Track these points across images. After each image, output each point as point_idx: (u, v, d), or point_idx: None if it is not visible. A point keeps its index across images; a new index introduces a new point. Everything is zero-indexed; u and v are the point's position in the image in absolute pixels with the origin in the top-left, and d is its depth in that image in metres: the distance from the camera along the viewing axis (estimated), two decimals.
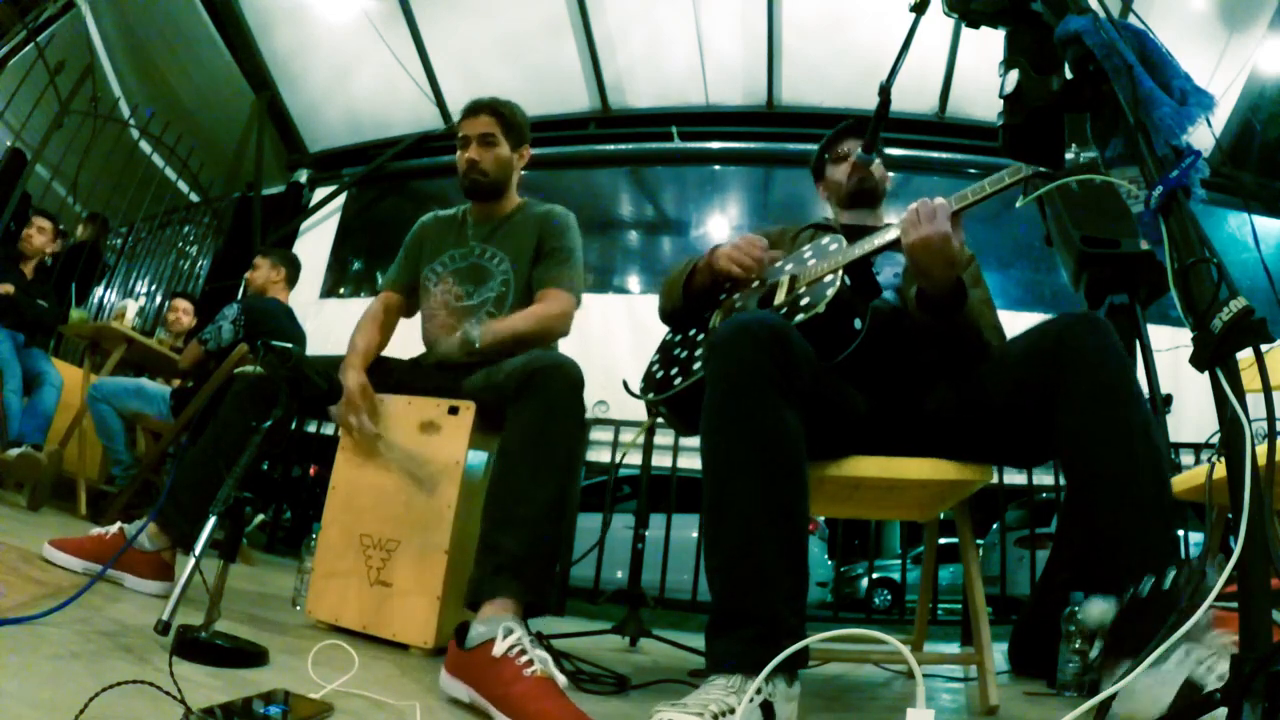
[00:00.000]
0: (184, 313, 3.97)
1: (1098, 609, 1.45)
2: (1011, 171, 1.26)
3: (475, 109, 1.86)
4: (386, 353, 1.83)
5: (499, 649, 1.07)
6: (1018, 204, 1.29)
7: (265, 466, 4.48)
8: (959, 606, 3.48)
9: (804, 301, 1.37)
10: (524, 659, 1.06)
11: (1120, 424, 1.13)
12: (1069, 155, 1.16)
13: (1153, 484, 1.10)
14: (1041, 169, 1.20)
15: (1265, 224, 4.46)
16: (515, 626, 1.12)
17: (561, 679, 1.06)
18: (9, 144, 4.50)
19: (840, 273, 1.37)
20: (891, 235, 1.37)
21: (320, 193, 5.67)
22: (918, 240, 1.28)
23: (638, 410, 1.73)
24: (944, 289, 1.33)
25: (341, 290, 5.55)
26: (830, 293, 1.33)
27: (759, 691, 0.93)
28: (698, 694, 0.96)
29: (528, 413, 1.38)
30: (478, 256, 1.85)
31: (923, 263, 1.30)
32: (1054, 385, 1.19)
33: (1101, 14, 0.93)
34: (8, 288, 3.22)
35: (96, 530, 1.58)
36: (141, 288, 5.50)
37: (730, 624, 1.04)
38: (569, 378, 1.40)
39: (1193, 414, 3.04)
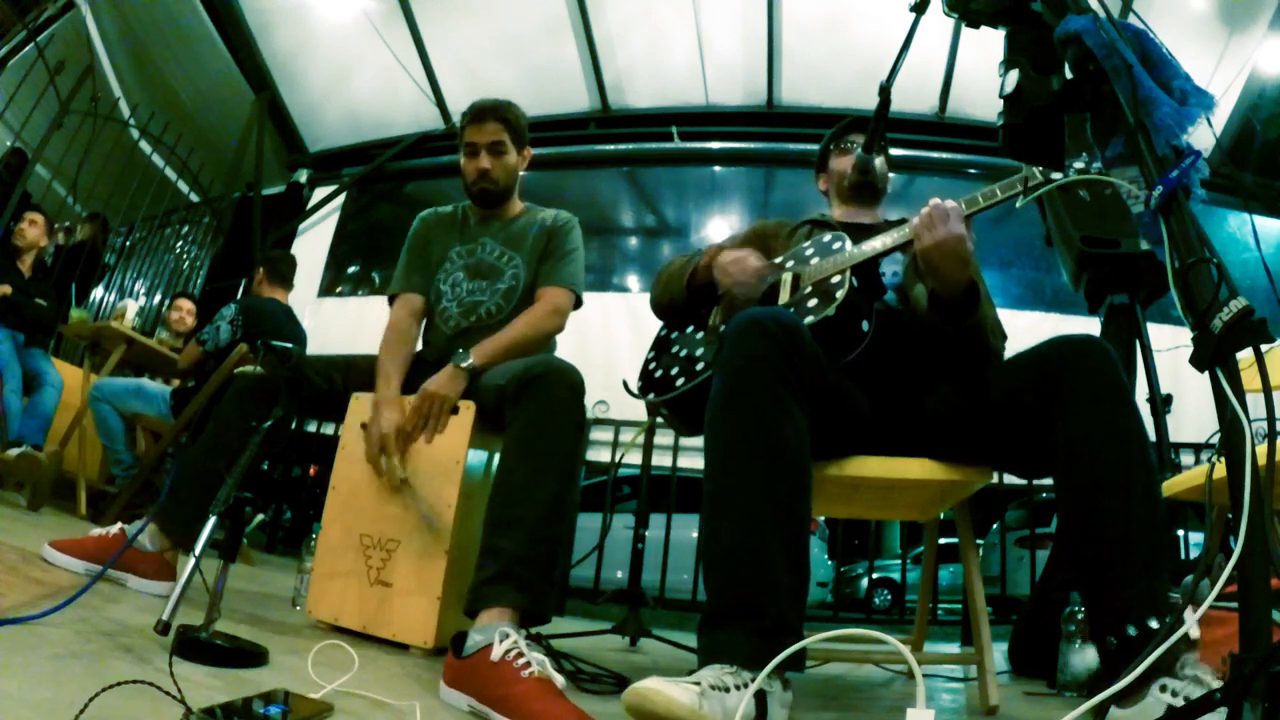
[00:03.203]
0: (187, 313, 3.98)
1: (1080, 660, 1.50)
2: (1023, 178, 1.27)
3: (482, 114, 1.84)
4: None
5: (496, 653, 1.07)
6: (1018, 203, 1.30)
7: (265, 466, 4.48)
8: (959, 606, 3.48)
9: (812, 303, 1.37)
10: (521, 661, 1.06)
11: (1119, 430, 1.13)
12: (1079, 164, 1.16)
13: (1148, 488, 1.10)
14: (1053, 177, 1.21)
15: (1265, 224, 4.45)
16: (511, 630, 1.12)
17: (559, 680, 1.05)
18: (9, 144, 4.50)
19: (848, 274, 1.37)
20: (898, 236, 1.37)
21: (320, 193, 5.67)
22: (933, 243, 1.29)
23: (638, 410, 1.73)
24: (957, 291, 1.33)
25: (340, 289, 5.55)
26: (840, 295, 1.33)
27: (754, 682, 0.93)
28: (690, 676, 0.97)
29: (526, 416, 1.38)
30: (487, 254, 1.86)
31: (938, 265, 1.31)
32: (1053, 390, 1.19)
33: (1101, 14, 0.93)
34: (5, 289, 3.22)
35: (97, 531, 1.58)
36: (141, 288, 5.50)
37: (727, 617, 1.03)
38: (568, 381, 1.40)
39: (1193, 414, 3.04)
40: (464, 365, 1.58)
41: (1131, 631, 0.99)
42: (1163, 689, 0.91)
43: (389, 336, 1.75)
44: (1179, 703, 0.86)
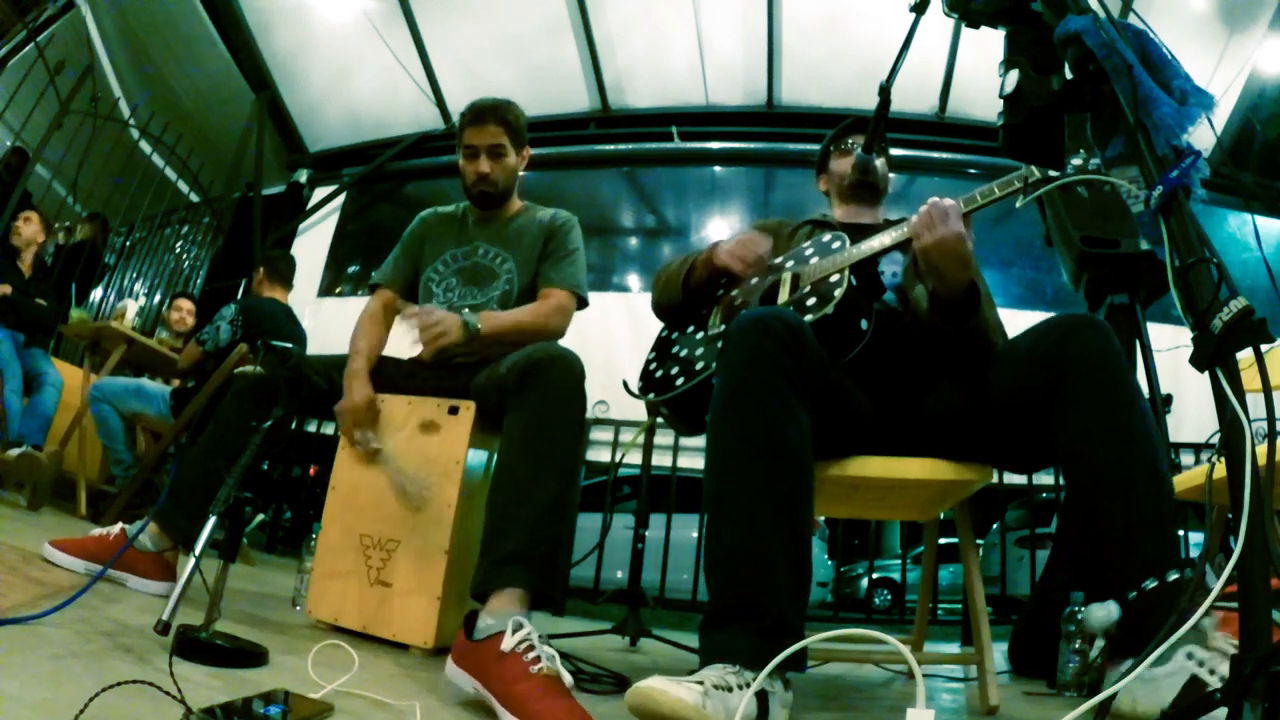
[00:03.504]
0: (187, 313, 3.98)
1: (1101, 613, 1.47)
2: (1021, 176, 1.27)
3: (481, 116, 1.83)
4: (386, 352, 1.83)
5: (507, 644, 1.06)
6: (1018, 204, 1.29)
7: (265, 466, 4.48)
8: (959, 606, 3.48)
9: (810, 301, 1.37)
10: (531, 655, 1.05)
11: (1120, 425, 1.13)
12: (1077, 161, 1.16)
13: (1151, 485, 1.10)
14: (1050, 175, 1.21)
15: (1265, 224, 4.46)
16: (525, 621, 1.11)
17: (568, 677, 1.05)
18: (9, 144, 4.50)
19: (846, 272, 1.37)
20: (897, 235, 1.37)
21: (320, 193, 5.67)
22: (932, 242, 1.28)
23: (638, 410, 1.73)
24: (958, 291, 1.33)
25: (339, 289, 5.55)
26: (838, 293, 1.33)
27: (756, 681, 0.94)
28: (692, 675, 0.97)
29: (528, 405, 1.37)
30: (481, 257, 1.85)
31: (938, 265, 1.30)
32: (1054, 386, 1.19)
33: (1101, 14, 0.93)
34: (5, 288, 3.22)
35: (98, 530, 1.58)
36: (141, 288, 5.50)
37: (729, 617, 1.03)
38: (569, 369, 1.39)
39: (1193, 414, 3.04)
40: (472, 327, 1.59)
41: (1150, 585, 0.97)
42: (1189, 656, 0.90)
43: (362, 322, 1.81)
44: (1204, 673, 0.85)
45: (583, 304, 1.84)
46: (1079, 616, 1.74)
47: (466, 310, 1.61)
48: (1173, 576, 0.98)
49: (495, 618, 1.12)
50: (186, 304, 4.06)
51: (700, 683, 0.91)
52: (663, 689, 0.89)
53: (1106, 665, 1.03)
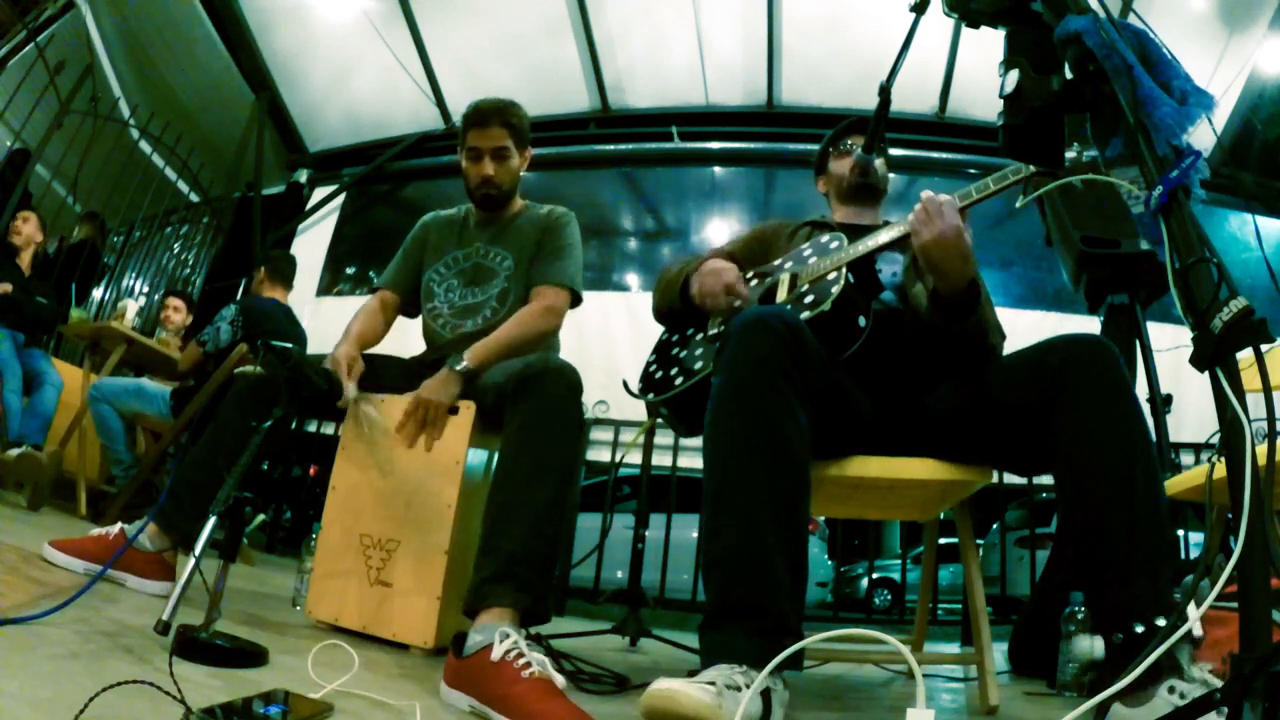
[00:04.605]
0: (174, 310, 3.97)
1: (1084, 644, 1.49)
2: (1015, 170, 1.26)
3: (485, 118, 1.82)
4: (386, 352, 1.83)
5: (496, 653, 1.07)
6: (1017, 204, 1.29)
7: (265, 466, 4.48)
8: (959, 606, 3.48)
9: (808, 300, 1.37)
10: (521, 661, 1.05)
11: (1119, 426, 1.13)
12: (1071, 154, 1.16)
13: (1149, 485, 1.10)
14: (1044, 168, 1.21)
15: (1266, 224, 4.45)
16: (511, 631, 1.12)
17: (560, 680, 1.05)
18: (9, 144, 4.50)
19: (844, 270, 1.37)
20: (895, 232, 1.37)
21: (320, 193, 5.67)
22: (932, 238, 1.27)
23: (638, 410, 1.73)
24: (960, 287, 1.32)
25: (339, 289, 5.55)
26: (835, 290, 1.33)
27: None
28: (700, 675, 0.97)
29: (524, 415, 1.37)
30: (481, 256, 1.86)
31: (938, 261, 1.28)
32: (1055, 397, 1.19)
33: (1101, 14, 0.93)
34: (6, 286, 3.22)
35: (97, 531, 1.58)
36: (141, 287, 5.50)
37: (730, 617, 1.04)
38: (566, 380, 1.40)
39: (1193, 414, 3.04)
40: (458, 368, 1.58)
41: (1138, 629, 0.99)
42: (1170, 690, 0.91)
43: (358, 313, 1.84)
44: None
45: (576, 299, 1.83)
46: (1079, 616, 1.74)
47: (450, 356, 1.60)
48: (1160, 621, 0.99)
49: (482, 633, 1.13)
50: (175, 301, 4.05)
51: (712, 683, 0.92)
52: (681, 690, 0.90)
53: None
